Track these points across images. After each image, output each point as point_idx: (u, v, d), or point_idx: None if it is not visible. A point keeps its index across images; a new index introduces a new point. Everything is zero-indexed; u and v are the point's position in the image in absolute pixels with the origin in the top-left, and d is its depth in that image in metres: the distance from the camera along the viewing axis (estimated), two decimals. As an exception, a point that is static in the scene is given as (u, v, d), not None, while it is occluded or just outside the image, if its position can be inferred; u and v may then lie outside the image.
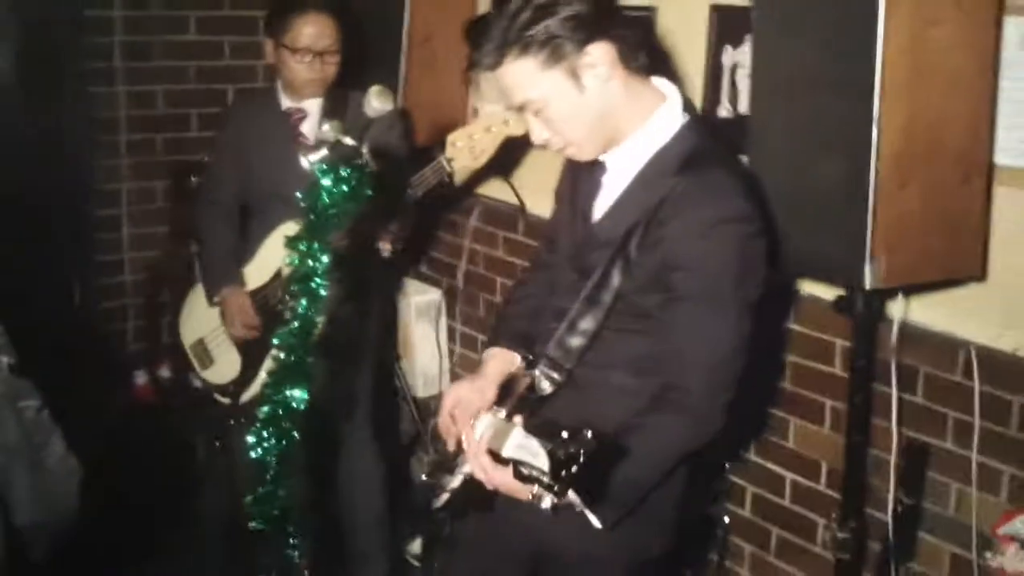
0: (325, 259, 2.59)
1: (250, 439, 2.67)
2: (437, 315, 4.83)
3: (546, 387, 2.48)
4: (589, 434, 1.98)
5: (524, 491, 2.09)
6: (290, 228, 3.56)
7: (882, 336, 2.88)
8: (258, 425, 2.65)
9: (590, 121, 2.31)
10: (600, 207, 2.44)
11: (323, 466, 3.70)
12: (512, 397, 2.58)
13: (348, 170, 2.55)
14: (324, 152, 2.55)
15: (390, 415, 4.64)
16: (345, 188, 2.56)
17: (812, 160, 2.57)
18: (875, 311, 2.72)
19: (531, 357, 2.58)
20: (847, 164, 2.47)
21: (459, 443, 2.62)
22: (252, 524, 2.73)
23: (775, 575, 3.40)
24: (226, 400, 3.88)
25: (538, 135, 2.36)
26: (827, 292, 3.14)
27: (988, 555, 2.61)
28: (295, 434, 2.66)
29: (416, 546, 4.32)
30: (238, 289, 3.70)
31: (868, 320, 2.68)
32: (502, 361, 2.63)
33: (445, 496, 2.69)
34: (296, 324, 2.61)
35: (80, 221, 4.82)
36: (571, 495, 2.04)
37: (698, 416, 2.26)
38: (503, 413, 2.50)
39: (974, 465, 2.82)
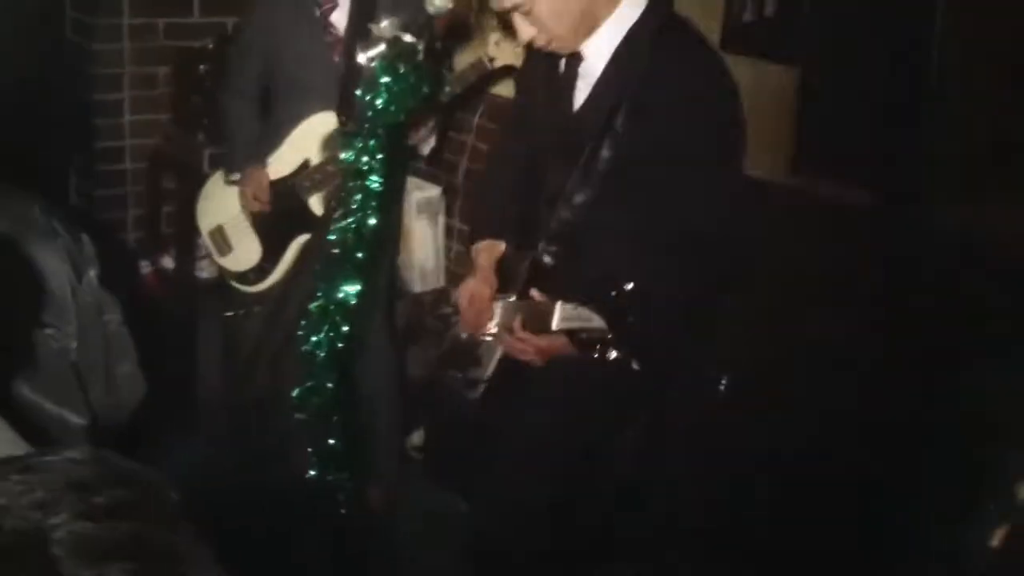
0: (380, 156, 2.60)
1: (301, 332, 2.71)
2: (436, 212, 4.84)
3: (549, 261, 2.66)
4: (630, 286, 2.15)
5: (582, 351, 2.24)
6: (320, 120, 3.58)
7: None
8: (310, 319, 2.68)
9: (574, 16, 2.48)
10: (580, 93, 2.61)
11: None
12: (517, 279, 2.71)
13: (406, 67, 2.55)
14: (381, 48, 2.54)
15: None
16: (403, 85, 2.56)
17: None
18: None
19: (518, 241, 2.74)
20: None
21: (482, 334, 2.77)
22: (298, 416, 2.79)
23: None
24: (244, 288, 3.90)
25: (525, 34, 2.54)
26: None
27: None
28: (345, 328, 2.70)
29: (417, 438, 4.40)
30: (258, 167, 3.69)
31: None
32: (491, 251, 2.81)
33: (482, 386, 2.80)
34: (351, 220, 2.62)
35: (79, 106, 4.73)
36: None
37: (719, 257, 2.53)
38: (513, 297, 2.66)
39: None
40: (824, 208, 3.25)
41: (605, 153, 2.54)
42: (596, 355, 2.23)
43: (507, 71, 3.44)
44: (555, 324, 2.36)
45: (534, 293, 2.54)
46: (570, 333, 2.32)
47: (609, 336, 2.21)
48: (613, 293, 2.20)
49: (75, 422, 1.89)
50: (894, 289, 2.86)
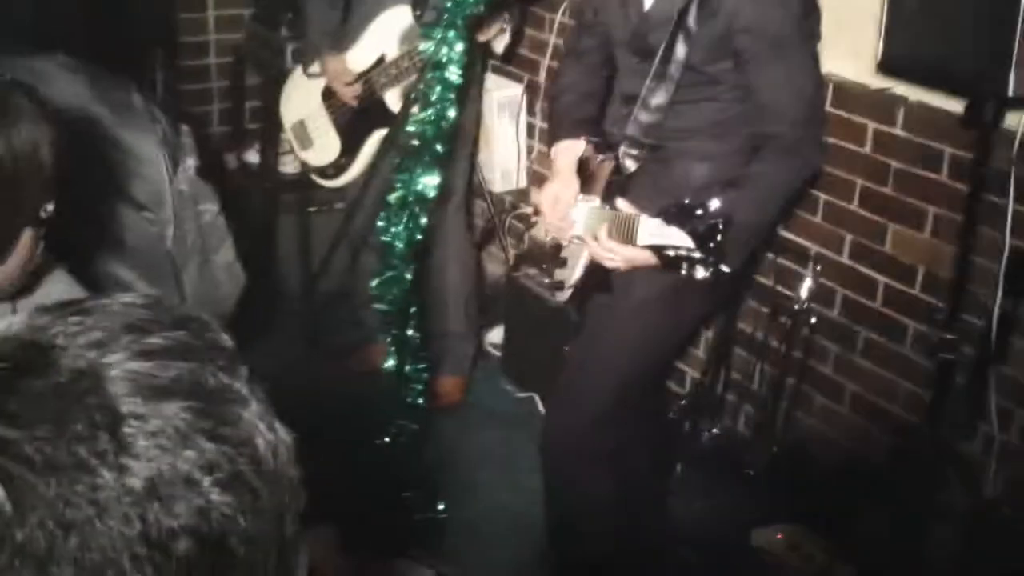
0: (460, 47, 2.60)
1: (379, 224, 2.73)
2: (518, 111, 4.80)
3: (630, 165, 2.67)
4: (716, 202, 2.12)
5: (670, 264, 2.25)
6: (395, 14, 3.57)
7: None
8: (388, 210, 2.70)
9: None
10: None
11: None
12: (598, 182, 2.69)
13: (487, -43, 2.52)
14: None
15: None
16: (484, -25, 2.54)
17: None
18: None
19: (596, 138, 2.72)
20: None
21: (567, 238, 2.76)
22: (377, 306, 2.83)
23: (860, 374, 3.48)
24: (324, 182, 3.94)
25: None
26: (934, 100, 3.13)
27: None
28: (424, 220, 2.72)
29: (496, 335, 4.44)
30: (338, 56, 3.70)
31: (995, 130, 2.68)
32: (570, 152, 2.79)
33: (569, 290, 2.81)
34: (430, 112, 2.63)
35: (164, 2, 4.75)
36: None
37: (799, 154, 2.53)
38: (596, 200, 2.64)
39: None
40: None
41: (680, 53, 2.49)
42: (683, 273, 2.20)
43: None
44: (640, 239, 2.33)
45: (620, 203, 2.52)
46: (655, 248, 2.28)
47: (697, 256, 2.17)
48: (699, 212, 2.16)
49: None
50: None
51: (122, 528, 0.71)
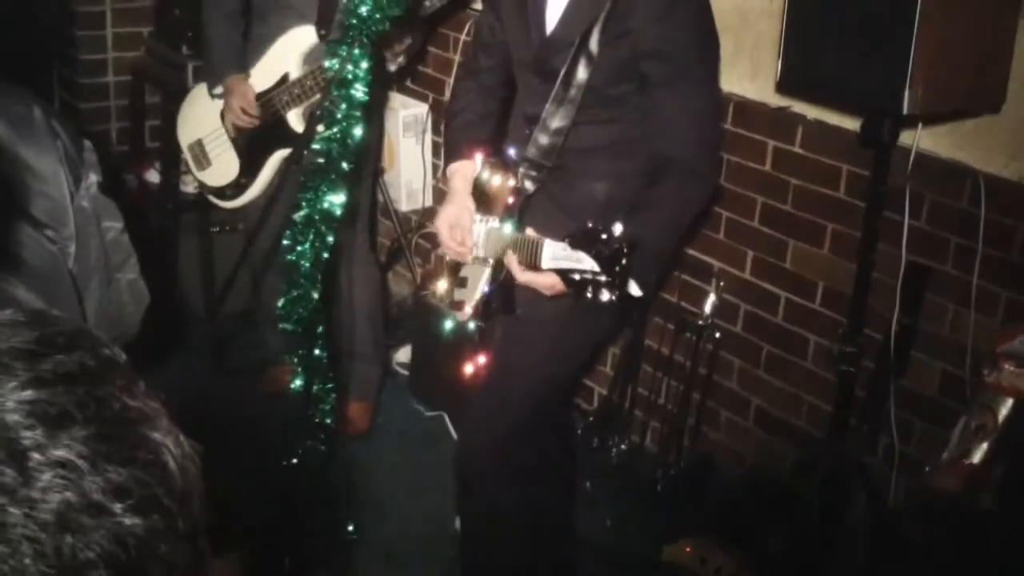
0: (365, 64, 2.57)
1: (285, 243, 2.69)
2: (423, 129, 4.79)
3: (530, 187, 2.65)
4: (619, 226, 2.12)
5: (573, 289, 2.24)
6: (300, 34, 3.53)
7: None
8: (294, 229, 2.67)
9: None
10: (552, 14, 2.57)
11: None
12: (497, 202, 2.69)
13: (392, -26, 2.51)
14: (366, -46, 2.50)
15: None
16: (389, -8, 2.52)
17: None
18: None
19: (493, 158, 2.71)
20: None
21: (465, 258, 2.74)
22: (283, 326, 2.78)
23: (763, 388, 3.53)
24: (222, 203, 3.88)
25: None
26: (832, 118, 3.20)
27: (985, 371, 2.74)
28: (330, 238, 2.69)
29: (403, 354, 4.41)
30: (241, 77, 3.65)
31: (891, 147, 2.74)
32: (465, 173, 2.76)
33: (469, 310, 2.79)
34: (335, 130, 2.60)
35: (62, 17, 4.65)
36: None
37: (700, 177, 2.54)
38: (495, 221, 2.63)
39: (974, 288, 2.92)
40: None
41: (581, 75, 2.50)
42: (589, 296, 2.20)
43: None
44: (544, 263, 2.32)
45: (528, 231, 2.49)
46: (560, 272, 2.27)
47: (603, 279, 2.16)
48: (604, 236, 2.15)
49: None
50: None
51: (37, 564, 0.68)
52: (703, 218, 3.48)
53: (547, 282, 2.36)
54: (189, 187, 4.42)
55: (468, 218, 2.69)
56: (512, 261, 2.48)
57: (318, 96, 3.50)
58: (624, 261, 2.13)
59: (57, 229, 1.90)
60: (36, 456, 0.70)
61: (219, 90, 3.70)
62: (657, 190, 2.51)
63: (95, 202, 1.95)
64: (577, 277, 2.19)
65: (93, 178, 1.94)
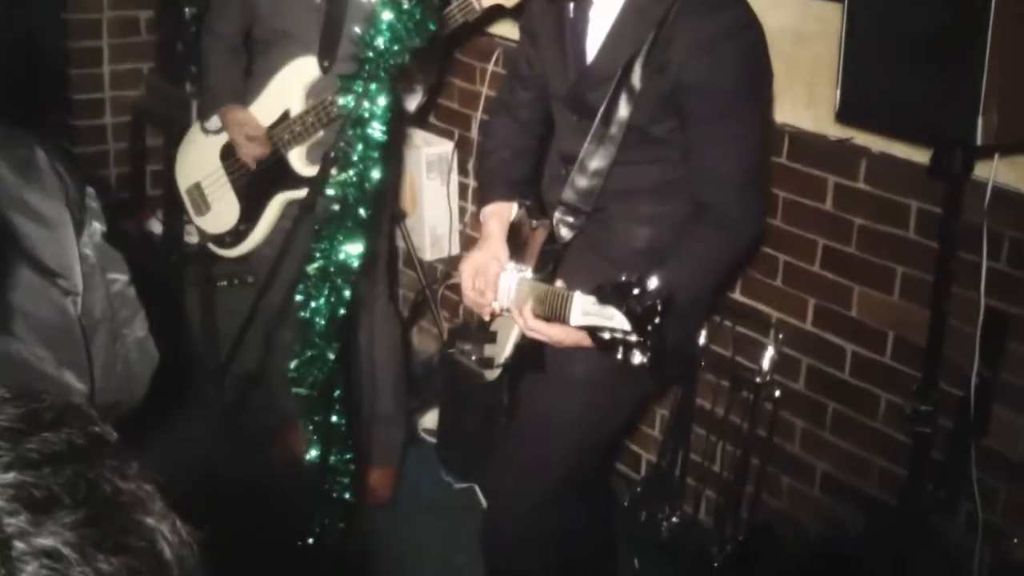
0: (383, 101, 2.59)
1: (298, 298, 2.71)
2: (448, 169, 4.82)
3: (566, 234, 2.65)
4: (655, 280, 2.11)
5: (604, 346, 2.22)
6: (301, 66, 3.56)
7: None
8: (307, 283, 2.68)
9: None
10: (592, 44, 2.56)
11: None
12: (531, 250, 2.68)
13: (411, 1, 2.54)
14: (383, -20, 2.53)
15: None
16: (407, 22, 2.54)
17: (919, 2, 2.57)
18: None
19: (528, 201, 2.71)
20: (960, 6, 2.47)
21: (493, 313, 2.73)
22: (297, 390, 2.79)
23: (829, 451, 3.50)
24: (222, 252, 3.91)
25: None
26: (899, 150, 3.19)
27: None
28: (347, 292, 2.69)
29: (430, 419, 4.39)
30: (237, 107, 3.67)
31: (965, 180, 2.73)
32: (501, 216, 2.77)
33: (498, 368, 2.78)
34: (351, 173, 2.62)
35: (55, 55, 4.72)
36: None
37: (737, 228, 2.54)
38: (528, 271, 2.62)
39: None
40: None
41: (622, 112, 2.49)
42: (619, 357, 2.18)
43: (496, 11, 3.38)
44: (573, 319, 2.29)
45: (558, 283, 2.48)
46: (589, 329, 2.24)
47: (633, 339, 2.15)
48: (636, 291, 2.13)
49: (76, 387, 1.87)
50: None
51: None
52: (757, 262, 3.48)
53: (574, 338, 2.35)
54: (193, 237, 4.46)
55: (496, 267, 2.68)
56: (527, 315, 2.47)
57: (321, 133, 3.53)
58: (657, 320, 2.10)
59: (67, 277, 1.92)
60: (19, 545, 0.70)
61: (212, 124, 3.73)
62: (689, 241, 2.51)
63: (100, 251, 1.97)
64: (607, 336, 2.16)
65: (97, 226, 1.96)
